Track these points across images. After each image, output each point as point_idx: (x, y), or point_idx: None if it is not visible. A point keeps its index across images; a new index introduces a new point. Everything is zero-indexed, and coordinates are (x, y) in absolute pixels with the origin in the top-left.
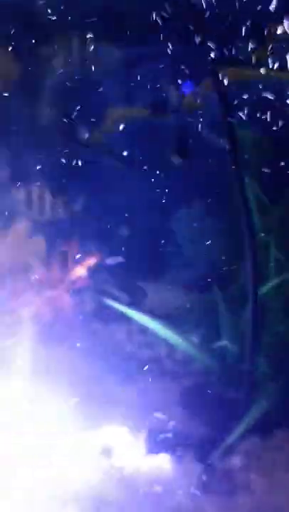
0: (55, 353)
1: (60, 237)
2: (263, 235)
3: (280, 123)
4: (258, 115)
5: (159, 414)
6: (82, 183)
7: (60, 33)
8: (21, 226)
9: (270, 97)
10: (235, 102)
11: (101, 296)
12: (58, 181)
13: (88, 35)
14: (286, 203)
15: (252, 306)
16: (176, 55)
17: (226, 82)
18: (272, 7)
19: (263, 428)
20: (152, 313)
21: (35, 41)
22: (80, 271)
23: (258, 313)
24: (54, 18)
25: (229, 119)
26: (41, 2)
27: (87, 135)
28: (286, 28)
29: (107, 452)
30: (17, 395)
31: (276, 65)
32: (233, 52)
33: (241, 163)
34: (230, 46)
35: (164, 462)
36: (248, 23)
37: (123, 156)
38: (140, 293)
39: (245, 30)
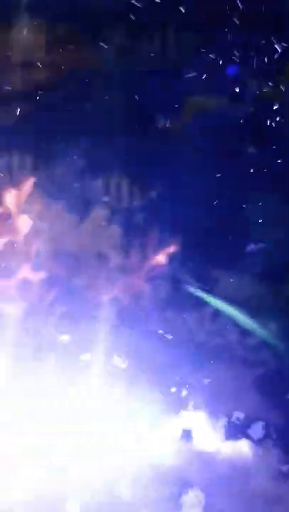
0: (132, 338)
1: (136, 224)
2: None
3: None
4: None
5: (235, 401)
6: (159, 171)
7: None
8: (98, 214)
9: None
10: None
11: (175, 284)
12: (135, 169)
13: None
14: None
15: None
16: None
17: None
18: None
19: None
20: (228, 299)
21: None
22: (158, 258)
23: None
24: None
25: None
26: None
27: (165, 123)
28: None
29: (186, 436)
30: (98, 382)
31: None
32: None
33: None
34: None
35: (242, 447)
36: None
37: (200, 144)
38: (215, 280)
39: None
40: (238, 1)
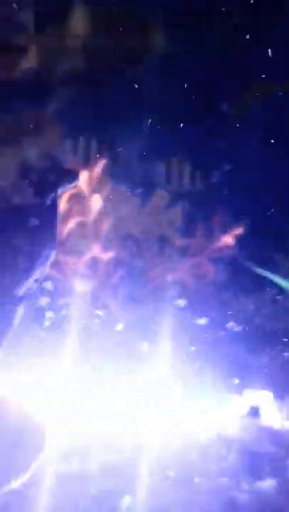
0: (192, 319)
1: (197, 208)
2: None
3: None
4: None
5: None
6: (220, 156)
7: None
8: (161, 197)
9: None
10: None
11: (233, 267)
12: (197, 154)
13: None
14: None
15: None
16: None
17: None
18: None
19: None
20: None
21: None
22: (223, 240)
23: None
24: None
25: None
26: None
27: (229, 109)
28: None
29: (254, 413)
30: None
31: None
32: None
33: None
34: None
35: None
36: None
37: (262, 131)
38: (276, 263)
39: None
40: None
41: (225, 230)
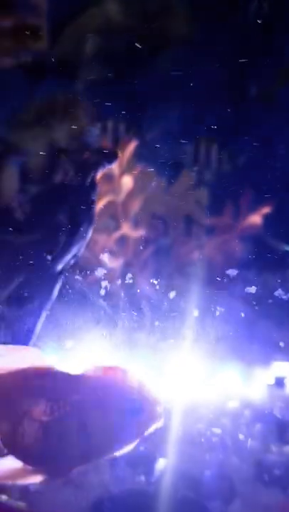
0: (218, 297)
1: (225, 188)
2: None
3: None
4: None
5: None
6: (247, 138)
7: None
8: (188, 178)
9: None
10: None
11: (260, 245)
12: (224, 136)
13: None
14: None
15: None
16: None
17: None
18: None
19: None
20: None
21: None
22: (251, 219)
23: None
24: None
25: None
26: None
27: (257, 91)
28: None
29: (279, 383)
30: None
31: None
32: None
33: None
34: None
35: None
36: None
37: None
38: None
39: None
40: None
41: (252, 209)
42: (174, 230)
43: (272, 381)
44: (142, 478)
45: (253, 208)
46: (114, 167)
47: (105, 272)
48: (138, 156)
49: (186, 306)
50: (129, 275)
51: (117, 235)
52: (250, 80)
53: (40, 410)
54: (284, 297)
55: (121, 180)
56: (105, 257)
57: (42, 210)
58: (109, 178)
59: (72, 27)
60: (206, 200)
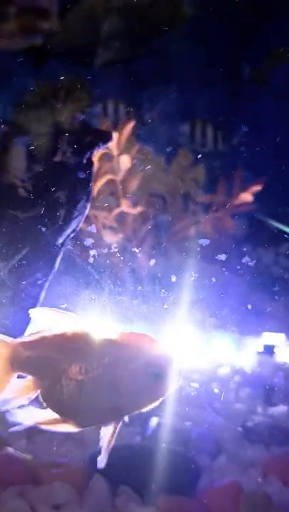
0: (212, 270)
1: (220, 167)
2: None
3: None
4: None
5: None
6: (241, 118)
7: None
8: (185, 157)
9: None
10: None
11: (252, 222)
12: (219, 116)
13: None
14: None
15: None
16: None
17: None
18: None
19: None
20: None
21: None
22: (244, 197)
23: None
24: None
25: None
26: None
27: (249, 73)
28: None
29: (270, 352)
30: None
31: None
32: None
33: None
34: None
35: None
36: None
37: (282, 93)
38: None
39: None
40: None
41: (244, 187)
42: (172, 207)
43: (262, 349)
44: (137, 434)
45: (246, 185)
46: (113, 147)
47: (102, 244)
48: (137, 135)
49: (182, 278)
50: (129, 249)
51: (116, 211)
52: (244, 62)
53: (76, 370)
54: (277, 272)
55: (120, 159)
56: (106, 233)
57: (43, 187)
58: (108, 157)
59: (75, 11)
60: (202, 179)
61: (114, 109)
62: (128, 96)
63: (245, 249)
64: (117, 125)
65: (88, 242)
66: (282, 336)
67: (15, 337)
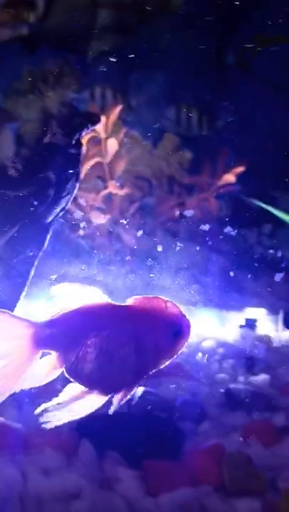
0: (199, 250)
1: (205, 150)
2: None
3: None
4: None
5: None
6: (226, 102)
7: None
8: (170, 141)
9: None
10: None
11: (235, 203)
12: (204, 100)
13: None
14: None
15: None
16: None
17: None
18: None
19: None
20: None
21: None
22: (226, 177)
23: None
24: None
25: None
26: None
27: (234, 59)
28: None
29: (251, 325)
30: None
31: None
32: None
33: None
34: None
35: None
36: None
37: (266, 78)
38: (275, 200)
39: None
40: None
41: (228, 169)
42: (158, 190)
43: (244, 323)
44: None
45: (230, 168)
46: (101, 130)
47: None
48: (124, 120)
49: (168, 257)
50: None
51: (104, 193)
52: (228, 48)
53: (99, 340)
54: (260, 252)
55: (107, 142)
56: (94, 214)
57: (33, 167)
58: (96, 140)
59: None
60: (187, 162)
61: (101, 95)
62: (115, 82)
63: (229, 229)
64: (104, 110)
65: (78, 222)
66: (263, 310)
67: None
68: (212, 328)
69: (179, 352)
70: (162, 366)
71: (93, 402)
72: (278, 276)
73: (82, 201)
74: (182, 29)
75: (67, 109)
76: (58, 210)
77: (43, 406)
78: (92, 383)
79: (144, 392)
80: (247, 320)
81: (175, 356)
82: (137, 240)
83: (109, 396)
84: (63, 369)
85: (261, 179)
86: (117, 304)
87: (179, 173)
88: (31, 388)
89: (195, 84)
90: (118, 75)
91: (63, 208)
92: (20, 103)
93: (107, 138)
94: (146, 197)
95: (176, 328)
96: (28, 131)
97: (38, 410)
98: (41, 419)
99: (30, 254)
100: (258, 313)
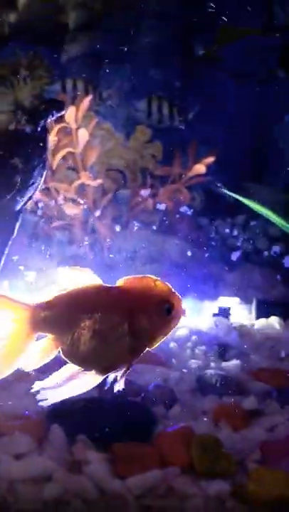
0: (173, 241)
1: (176, 141)
2: None
3: None
4: None
5: (263, 292)
6: (195, 94)
7: None
8: (142, 132)
9: None
10: None
11: (207, 193)
12: (174, 93)
13: None
14: None
15: None
16: None
17: None
18: None
19: None
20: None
21: None
22: (197, 167)
23: None
24: None
25: None
26: None
27: (202, 50)
28: None
29: (225, 313)
30: None
31: None
32: None
33: None
34: None
35: (273, 323)
36: None
37: (233, 69)
38: (247, 191)
39: None
40: None
41: (198, 160)
42: (131, 182)
43: (217, 311)
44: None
45: (200, 158)
46: (72, 121)
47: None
48: (96, 112)
49: (141, 248)
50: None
51: (76, 183)
52: (195, 39)
53: (94, 321)
54: (234, 243)
55: (78, 132)
56: (67, 205)
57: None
58: (68, 132)
59: None
60: (159, 154)
61: (72, 87)
62: (86, 73)
63: (204, 220)
64: (75, 100)
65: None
66: (236, 299)
67: None
68: (186, 317)
69: (174, 328)
70: (157, 344)
71: (89, 381)
72: (251, 266)
73: (55, 192)
74: (151, 21)
75: (38, 101)
76: (25, 198)
77: (40, 384)
78: (87, 364)
79: (116, 378)
80: (220, 308)
81: (170, 333)
82: (111, 232)
83: (105, 376)
84: (59, 351)
85: (233, 170)
86: (108, 285)
87: (152, 164)
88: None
89: (165, 76)
90: (89, 67)
91: (30, 197)
92: None
93: (77, 128)
94: (120, 189)
95: (168, 305)
96: None
97: (34, 389)
98: (37, 397)
99: (0, 242)
100: (232, 302)
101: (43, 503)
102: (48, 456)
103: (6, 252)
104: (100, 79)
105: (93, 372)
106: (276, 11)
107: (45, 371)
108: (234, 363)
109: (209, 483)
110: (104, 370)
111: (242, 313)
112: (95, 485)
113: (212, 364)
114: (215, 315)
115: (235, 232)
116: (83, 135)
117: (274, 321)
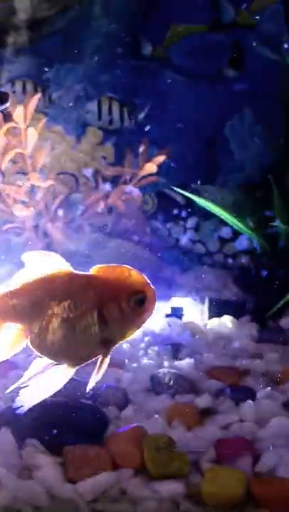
0: (121, 245)
1: (127, 143)
2: None
3: None
4: None
5: (215, 291)
6: (146, 94)
7: None
8: (93, 135)
9: None
10: None
11: (159, 196)
12: (124, 94)
13: None
14: None
15: None
16: None
17: None
18: None
19: None
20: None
21: None
22: (148, 167)
23: None
24: None
25: None
26: None
27: (150, 50)
28: None
29: (178, 314)
30: None
31: None
32: None
33: None
34: None
35: (226, 322)
36: None
37: (182, 69)
38: (198, 192)
39: None
40: None
41: (149, 160)
42: (82, 184)
43: (170, 311)
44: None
45: (151, 159)
46: (20, 120)
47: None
48: (46, 115)
49: (94, 251)
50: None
51: (26, 185)
52: (144, 38)
53: (63, 309)
54: (187, 245)
55: (27, 132)
56: (17, 208)
57: None
58: (16, 132)
59: None
60: (111, 155)
61: (22, 88)
62: (35, 75)
63: (155, 223)
64: (24, 100)
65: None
66: (189, 299)
67: None
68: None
69: (146, 320)
70: (129, 337)
71: (61, 375)
72: (203, 268)
73: (4, 195)
74: (98, 20)
75: None
76: None
77: (12, 387)
78: (56, 354)
79: (68, 380)
80: (173, 309)
81: (142, 325)
82: (63, 235)
83: (76, 368)
84: (27, 340)
85: (183, 170)
86: (79, 272)
87: (104, 166)
88: None
89: (113, 77)
90: (38, 68)
91: None
92: None
93: (26, 128)
94: (72, 192)
95: (140, 296)
96: None
97: (8, 391)
98: (14, 405)
99: None
100: (185, 303)
101: None
102: None
103: None
104: (49, 80)
105: (65, 365)
106: (224, 6)
107: None
108: (187, 361)
109: (163, 484)
110: (74, 361)
111: (195, 313)
112: (46, 491)
113: (165, 363)
114: (168, 315)
115: (189, 234)
116: (32, 134)
117: (226, 319)
